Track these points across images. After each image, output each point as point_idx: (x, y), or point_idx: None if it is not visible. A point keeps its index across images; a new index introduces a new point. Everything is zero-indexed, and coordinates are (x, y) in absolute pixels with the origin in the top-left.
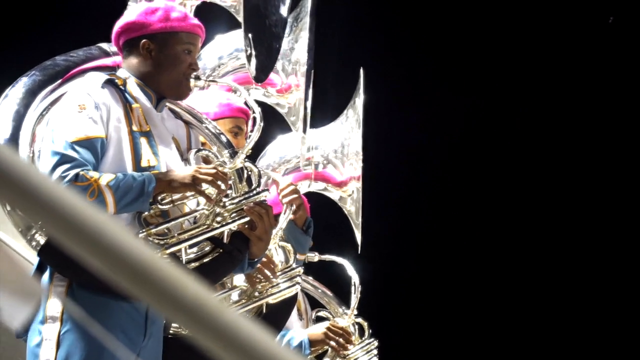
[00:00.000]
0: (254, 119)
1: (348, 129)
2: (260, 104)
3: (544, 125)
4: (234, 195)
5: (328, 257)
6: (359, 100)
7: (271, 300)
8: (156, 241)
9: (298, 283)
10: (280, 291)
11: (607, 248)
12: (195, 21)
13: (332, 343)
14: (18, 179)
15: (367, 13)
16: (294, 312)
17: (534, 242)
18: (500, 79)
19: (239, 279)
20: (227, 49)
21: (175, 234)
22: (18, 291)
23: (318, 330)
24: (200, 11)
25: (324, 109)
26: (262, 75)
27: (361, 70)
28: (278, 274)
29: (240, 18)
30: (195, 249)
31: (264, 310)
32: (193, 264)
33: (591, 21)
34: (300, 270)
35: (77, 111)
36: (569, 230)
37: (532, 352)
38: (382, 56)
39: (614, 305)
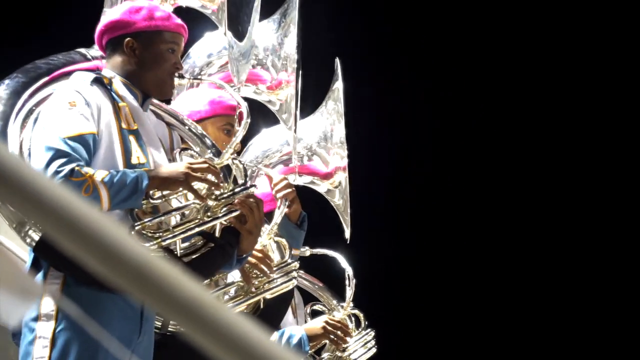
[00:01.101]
0: (240, 114)
1: (330, 119)
2: (250, 100)
3: (536, 120)
4: (222, 192)
5: (320, 250)
6: (338, 89)
7: (268, 295)
8: (150, 234)
9: (294, 278)
10: (277, 286)
11: (605, 248)
12: (179, 21)
13: (331, 337)
14: (12, 176)
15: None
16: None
17: (524, 232)
18: (490, 73)
19: (235, 275)
20: (217, 47)
21: (170, 227)
22: (16, 290)
23: (316, 325)
24: (183, 11)
25: (304, 101)
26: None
27: (337, 60)
28: (274, 269)
29: (221, 26)
30: (187, 244)
31: (261, 306)
32: (186, 258)
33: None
34: (296, 265)
35: (67, 108)
36: (561, 226)
37: (525, 343)
38: (365, 73)
39: (614, 305)
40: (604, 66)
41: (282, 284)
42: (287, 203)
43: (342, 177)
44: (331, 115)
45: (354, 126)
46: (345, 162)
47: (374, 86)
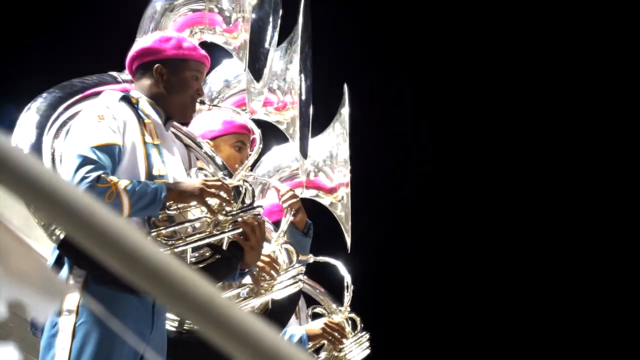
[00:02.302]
0: (254, 140)
1: (336, 139)
2: (261, 121)
3: (536, 120)
4: (232, 209)
5: (322, 258)
6: (345, 113)
7: (276, 296)
8: (164, 241)
9: (301, 280)
10: (285, 288)
11: (605, 247)
12: (204, 52)
13: (329, 338)
14: (44, 186)
15: (352, 31)
16: None
17: (520, 233)
18: (489, 74)
19: (246, 279)
20: (232, 73)
21: (182, 236)
22: (43, 288)
23: (316, 326)
24: (206, 44)
25: (313, 122)
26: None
27: (345, 86)
28: (282, 273)
29: (243, 63)
30: (196, 254)
31: (270, 307)
32: (195, 267)
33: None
34: (302, 269)
35: (96, 121)
36: (562, 227)
37: (521, 347)
38: (368, 73)
39: (614, 305)
40: (604, 66)
41: (289, 285)
42: (292, 212)
43: (345, 192)
44: (337, 137)
45: (354, 126)
46: (348, 178)
47: (374, 86)
